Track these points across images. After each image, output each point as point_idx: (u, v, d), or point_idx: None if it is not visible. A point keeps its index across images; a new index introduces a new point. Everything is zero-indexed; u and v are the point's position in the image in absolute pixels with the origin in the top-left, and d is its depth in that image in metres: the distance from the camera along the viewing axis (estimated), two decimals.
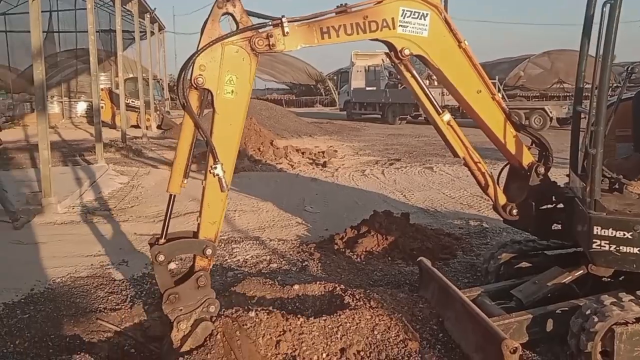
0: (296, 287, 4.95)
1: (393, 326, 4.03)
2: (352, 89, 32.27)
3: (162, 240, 3.68)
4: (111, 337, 4.48)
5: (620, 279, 4.31)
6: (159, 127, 24.52)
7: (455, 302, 4.15)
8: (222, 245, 6.86)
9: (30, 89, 22.79)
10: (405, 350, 3.86)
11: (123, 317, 4.76)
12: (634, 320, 3.59)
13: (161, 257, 3.61)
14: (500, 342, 3.41)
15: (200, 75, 3.52)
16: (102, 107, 24.99)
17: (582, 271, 4.36)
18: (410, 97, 26.86)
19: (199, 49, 3.52)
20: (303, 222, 8.09)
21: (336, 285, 4.78)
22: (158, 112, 25.60)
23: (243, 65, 3.62)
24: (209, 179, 3.62)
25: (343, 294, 4.54)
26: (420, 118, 28.65)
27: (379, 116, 30.23)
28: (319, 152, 15.67)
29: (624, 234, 3.80)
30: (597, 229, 3.88)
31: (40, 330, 4.43)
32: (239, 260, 6.29)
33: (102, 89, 25.57)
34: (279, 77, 51.92)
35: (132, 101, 23.35)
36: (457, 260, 6.18)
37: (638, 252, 3.78)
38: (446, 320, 4.23)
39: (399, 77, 28.83)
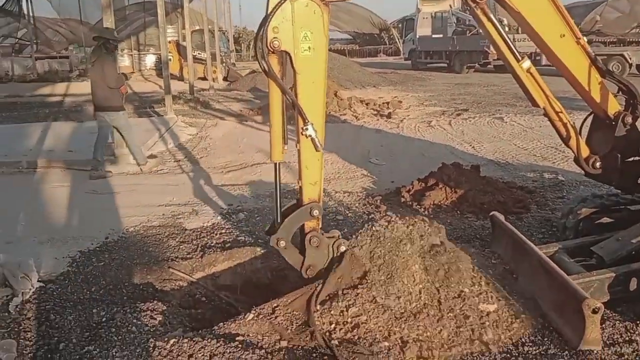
0: None
1: None
2: (417, 37, 31.32)
3: (278, 222, 3.77)
4: (183, 285, 4.59)
5: None
6: (225, 79, 24.71)
7: (532, 258, 3.97)
8: (289, 196, 6.86)
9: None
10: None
11: (194, 266, 4.85)
12: None
13: (282, 243, 3.71)
14: (581, 301, 3.24)
15: (275, 38, 3.42)
16: (170, 59, 25.43)
17: None
18: (478, 44, 25.92)
19: (268, 12, 3.41)
20: (368, 174, 7.99)
21: None
22: (224, 64, 25.75)
23: (315, 18, 3.47)
24: (302, 141, 3.58)
25: None
26: (489, 67, 27.55)
27: (446, 65, 29.31)
28: (383, 103, 15.37)
29: None
30: None
31: (115, 277, 4.59)
32: None
33: (169, 42, 25.95)
34: (342, 27, 51.10)
35: (199, 53, 23.56)
36: (531, 214, 5.93)
37: None
38: (520, 278, 4.08)
39: (467, 23, 27.57)
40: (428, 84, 22.83)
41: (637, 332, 3.54)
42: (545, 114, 4.31)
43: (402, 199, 6.48)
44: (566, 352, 3.28)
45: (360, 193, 6.99)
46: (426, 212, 6.06)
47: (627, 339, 3.47)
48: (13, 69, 25.99)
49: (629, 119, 4.24)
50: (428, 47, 30.83)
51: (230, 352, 3.25)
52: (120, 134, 8.49)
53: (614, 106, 4.28)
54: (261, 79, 22.32)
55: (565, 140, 4.40)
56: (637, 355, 3.30)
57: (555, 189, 6.84)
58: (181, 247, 5.27)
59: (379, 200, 6.51)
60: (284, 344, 3.40)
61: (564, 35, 3.99)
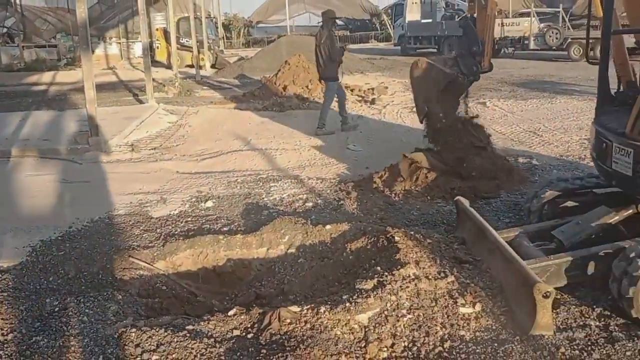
0: (328, 227, 4.85)
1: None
2: (406, 22, 31.06)
3: None
4: (143, 274, 4.52)
5: None
6: (212, 66, 24.47)
7: (491, 243, 3.93)
8: (261, 183, 6.80)
9: (90, 30, 23.09)
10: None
11: (155, 254, 4.78)
12: None
13: None
14: (532, 285, 3.20)
15: None
16: (158, 47, 25.21)
17: (631, 211, 4.04)
18: None
19: None
20: (344, 160, 7.91)
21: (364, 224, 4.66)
22: (212, 51, 25.49)
23: None
24: None
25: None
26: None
27: (435, 50, 29.10)
28: (368, 89, 15.23)
29: None
30: None
31: (74, 267, 4.50)
32: (275, 198, 6.21)
33: (157, 29, 25.71)
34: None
35: (187, 40, 23.35)
36: (501, 199, 5.89)
37: None
38: (483, 263, 4.03)
39: (455, 7, 27.36)
40: None
41: (592, 317, 3.51)
42: None
43: (374, 185, 6.41)
44: (517, 337, 3.24)
45: (333, 179, 6.93)
46: (397, 198, 6.01)
47: (581, 323, 3.44)
48: (0, 59, 25.66)
49: None
50: (417, 32, 30.57)
51: (177, 340, 3.21)
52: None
53: None
54: (248, 66, 22.15)
55: None
56: (588, 340, 3.26)
57: (528, 173, 6.78)
58: (144, 235, 5.20)
59: (350, 187, 6.44)
60: (236, 332, 3.36)
61: None
